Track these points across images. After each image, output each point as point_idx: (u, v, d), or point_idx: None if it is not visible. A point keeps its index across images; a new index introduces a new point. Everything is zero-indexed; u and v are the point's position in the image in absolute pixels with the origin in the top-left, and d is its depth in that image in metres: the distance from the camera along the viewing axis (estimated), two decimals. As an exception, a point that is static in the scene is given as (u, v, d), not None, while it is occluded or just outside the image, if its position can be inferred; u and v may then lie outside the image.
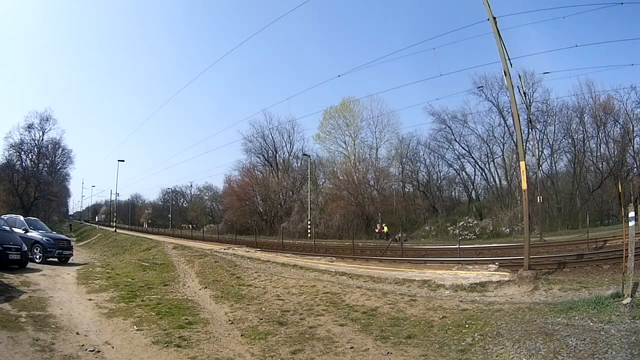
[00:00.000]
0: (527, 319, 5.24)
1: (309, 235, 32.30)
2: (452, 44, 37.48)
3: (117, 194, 50.22)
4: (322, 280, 9.23)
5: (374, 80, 66.67)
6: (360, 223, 33.30)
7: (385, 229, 30.14)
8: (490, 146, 34.22)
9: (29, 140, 52.85)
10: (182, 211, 69.67)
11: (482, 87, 32.24)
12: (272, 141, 48.39)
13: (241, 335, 5.71)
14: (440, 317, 5.87)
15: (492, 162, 34.69)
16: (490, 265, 9.53)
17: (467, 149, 35.47)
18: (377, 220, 33.36)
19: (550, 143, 31.71)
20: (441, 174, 38.21)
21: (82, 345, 4.91)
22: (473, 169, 36.17)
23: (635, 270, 5.77)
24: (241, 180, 48.47)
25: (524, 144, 23.41)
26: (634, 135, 28.16)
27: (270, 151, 48.96)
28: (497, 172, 34.58)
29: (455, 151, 36.13)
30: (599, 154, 29.90)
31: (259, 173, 48.77)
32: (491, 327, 5.10)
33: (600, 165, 29.48)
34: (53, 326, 5.53)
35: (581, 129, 30.43)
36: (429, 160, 38.11)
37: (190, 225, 52.36)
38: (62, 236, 16.52)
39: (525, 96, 25.21)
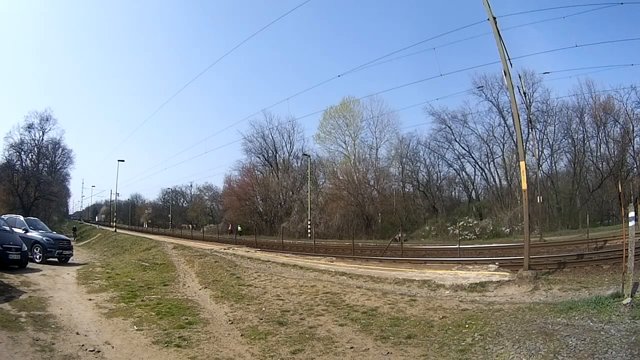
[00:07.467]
0: (527, 319, 5.23)
1: (309, 235, 32.30)
2: (452, 44, 37.69)
3: (117, 194, 50.41)
4: (322, 280, 9.23)
5: (374, 80, 66.75)
6: (360, 223, 33.29)
7: (239, 227, 30.47)
8: (490, 146, 34.22)
9: (29, 140, 52.97)
10: (182, 211, 69.67)
11: (482, 87, 32.22)
12: (272, 141, 48.53)
13: (241, 335, 5.71)
14: (440, 317, 5.87)
15: (492, 162, 34.67)
16: (490, 265, 9.51)
17: (467, 149, 35.46)
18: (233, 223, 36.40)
19: (550, 143, 31.70)
20: (441, 174, 38.20)
21: (82, 345, 4.91)
22: (473, 169, 36.16)
23: (635, 270, 5.76)
24: (241, 180, 48.59)
25: (524, 144, 23.43)
26: (634, 135, 28.17)
27: (270, 151, 49.07)
28: (497, 172, 34.56)
29: (455, 151, 36.12)
30: (599, 154, 29.88)
31: (259, 173, 48.87)
32: (491, 327, 5.10)
33: (600, 165, 29.43)
34: (53, 326, 5.53)
35: (581, 129, 30.42)
36: (429, 160, 38.08)
37: (190, 225, 52.35)
38: (62, 236, 16.55)
39: (525, 96, 25.13)
